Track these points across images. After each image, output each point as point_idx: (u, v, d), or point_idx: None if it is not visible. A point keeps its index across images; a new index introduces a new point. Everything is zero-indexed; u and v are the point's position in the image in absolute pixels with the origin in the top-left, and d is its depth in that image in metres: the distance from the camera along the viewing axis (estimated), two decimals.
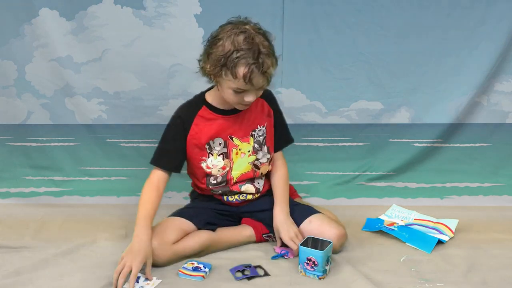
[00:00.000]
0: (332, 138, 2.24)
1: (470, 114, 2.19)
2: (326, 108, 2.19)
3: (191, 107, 1.72)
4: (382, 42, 2.12)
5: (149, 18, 2.10)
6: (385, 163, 2.24)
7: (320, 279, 1.54)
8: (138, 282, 1.50)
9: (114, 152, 2.25)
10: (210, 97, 1.72)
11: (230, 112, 1.70)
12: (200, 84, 2.11)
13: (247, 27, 1.55)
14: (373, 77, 2.16)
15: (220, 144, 1.71)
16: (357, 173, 2.26)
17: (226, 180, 1.74)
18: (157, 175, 1.70)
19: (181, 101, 2.14)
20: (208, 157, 1.71)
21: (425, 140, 2.22)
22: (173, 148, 1.71)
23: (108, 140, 2.23)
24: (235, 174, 1.74)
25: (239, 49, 1.49)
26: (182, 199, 2.17)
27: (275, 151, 1.81)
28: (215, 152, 1.71)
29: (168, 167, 1.71)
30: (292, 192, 1.99)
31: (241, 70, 1.50)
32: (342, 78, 2.16)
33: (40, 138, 2.23)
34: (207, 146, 1.70)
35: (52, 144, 2.24)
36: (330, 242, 1.58)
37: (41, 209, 2.10)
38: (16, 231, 1.90)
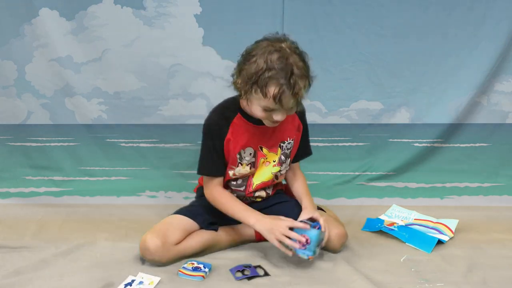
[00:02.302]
0: (332, 138, 2.24)
1: (470, 114, 2.19)
2: (326, 108, 2.19)
3: (227, 113, 1.66)
4: (382, 42, 2.12)
5: (149, 18, 2.10)
6: (385, 163, 2.25)
7: (309, 259, 1.55)
8: (131, 286, 1.50)
9: (114, 152, 2.25)
10: (244, 104, 1.63)
11: (262, 123, 1.63)
12: (200, 84, 2.12)
13: (283, 45, 1.51)
14: (373, 77, 2.16)
15: (250, 154, 1.69)
16: (357, 173, 2.26)
17: (246, 185, 1.74)
18: (215, 182, 1.69)
19: (181, 101, 2.15)
20: (238, 166, 1.69)
21: (425, 140, 2.22)
22: (217, 155, 1.67)
23: (108, 140, 2.23)
24: (256, 181, 1.74)
25: (272, 68, 1.45)
26: (182, 199, 2.18)
27: (294, 161, 1.82)
28: (244, 162, 1.69)
29: (220, 173, 1.69)
30: None
31: (272, 90, 1.46)
32: (342, 78, 2.16)
33: (40, 138, 2.23)
34: (238, 156, 1.68)
35: (52, 144, 2.24)
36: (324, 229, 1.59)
37: (41, 209, 2.10)
38: (16, 231, 1.90)
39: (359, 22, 2.10)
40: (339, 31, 2.11)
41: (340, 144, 2.24)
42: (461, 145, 2.23)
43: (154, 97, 2.18)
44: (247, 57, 1.52)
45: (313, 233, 1.54)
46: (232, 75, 1.59)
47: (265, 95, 1.47)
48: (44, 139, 2.23)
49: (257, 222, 1.61)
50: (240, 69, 1.53)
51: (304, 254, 1.55)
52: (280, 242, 1.56)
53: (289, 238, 1.55)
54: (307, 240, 1.54)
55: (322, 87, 2.17)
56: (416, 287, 1.51)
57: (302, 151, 1.82)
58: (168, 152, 2.23)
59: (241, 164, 1.69)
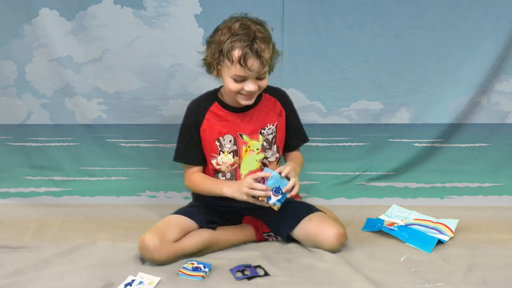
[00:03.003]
0: (332, 138, 2.24)
1: (470, 114, 2.18)
2: (326, 108, 2.19)
3: (203, 102, 1.76)
4: (382, 42, 2.12)
5: (149, 18, 2.10)
6: (385, 163, 2.24)
7: (275, 208, 1.62)
8: (131, 286, 1.50)
9: (114, 152, 2.25)
10: (224, 92, 1.75)
11: (241, 110, 1.72)
12: (200, 84, 2.12)
13: (244, 18, 1.62)
14: (373, 77, 2.16)
15: (230, 141, 1.73)
16: (357, 173, 2.26)
17: (235, 177, 1.76)
18: (192, 170, 1.76)
19: (181, 101, 2.15)
20: (219, 154, 1.73)
21: (425, 140, 2.22)
22: (194, 143, 1.74)
23: (108, 140, 2.23)
24: (244, 172, 1.76)
25: (235, 34, 1.56)
26: (182, 199, 2.18)
27: (291, 149, 1.84)
28: (225, 149, 1.73)
29: (196, 162, 1.76)
30: None
31: (236, 54, 1.56)
32: (342, 78, 2.16)
33: (40, 138, 2.23)
34: (217, 143, 1.73)
35: (52, 144, 2.24)
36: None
37: (41, 209, 2.10)
38: (16, 231, 1.90)
39: (359, 22, 2.10)
40: (339, 31, 2.11)
41: (340, 144, 2.24)
42: (461, 145, 2.23)
43: (154, 97, 2.18)
44: (213, 33, 1.64)
45: (285, 182, 1.61)
46: (204, 59, 1.68)
47: (231, 61, 1.57)
48: (44, 139, 2.23)
49: (228, 188, 1.65)
50: (208, 45, 1.64)
51: (275, 205, 1.62)
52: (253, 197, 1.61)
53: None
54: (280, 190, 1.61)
55: (322, 87, 2.18)
56: (416, 287, 1.51)
57: (296, 138, 1.85)
58: (168, 152, 2.21)
59: (223, 152, 1.72)
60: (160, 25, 2.10)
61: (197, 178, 1.75)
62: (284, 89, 2.14)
